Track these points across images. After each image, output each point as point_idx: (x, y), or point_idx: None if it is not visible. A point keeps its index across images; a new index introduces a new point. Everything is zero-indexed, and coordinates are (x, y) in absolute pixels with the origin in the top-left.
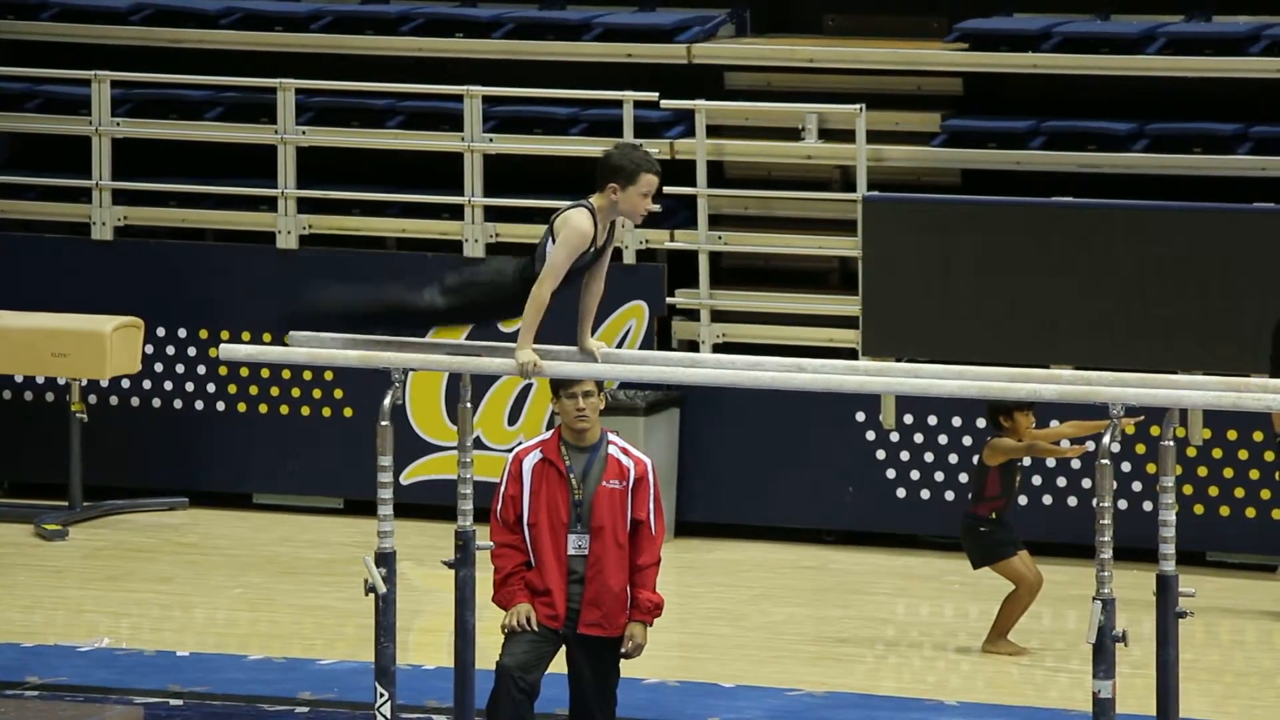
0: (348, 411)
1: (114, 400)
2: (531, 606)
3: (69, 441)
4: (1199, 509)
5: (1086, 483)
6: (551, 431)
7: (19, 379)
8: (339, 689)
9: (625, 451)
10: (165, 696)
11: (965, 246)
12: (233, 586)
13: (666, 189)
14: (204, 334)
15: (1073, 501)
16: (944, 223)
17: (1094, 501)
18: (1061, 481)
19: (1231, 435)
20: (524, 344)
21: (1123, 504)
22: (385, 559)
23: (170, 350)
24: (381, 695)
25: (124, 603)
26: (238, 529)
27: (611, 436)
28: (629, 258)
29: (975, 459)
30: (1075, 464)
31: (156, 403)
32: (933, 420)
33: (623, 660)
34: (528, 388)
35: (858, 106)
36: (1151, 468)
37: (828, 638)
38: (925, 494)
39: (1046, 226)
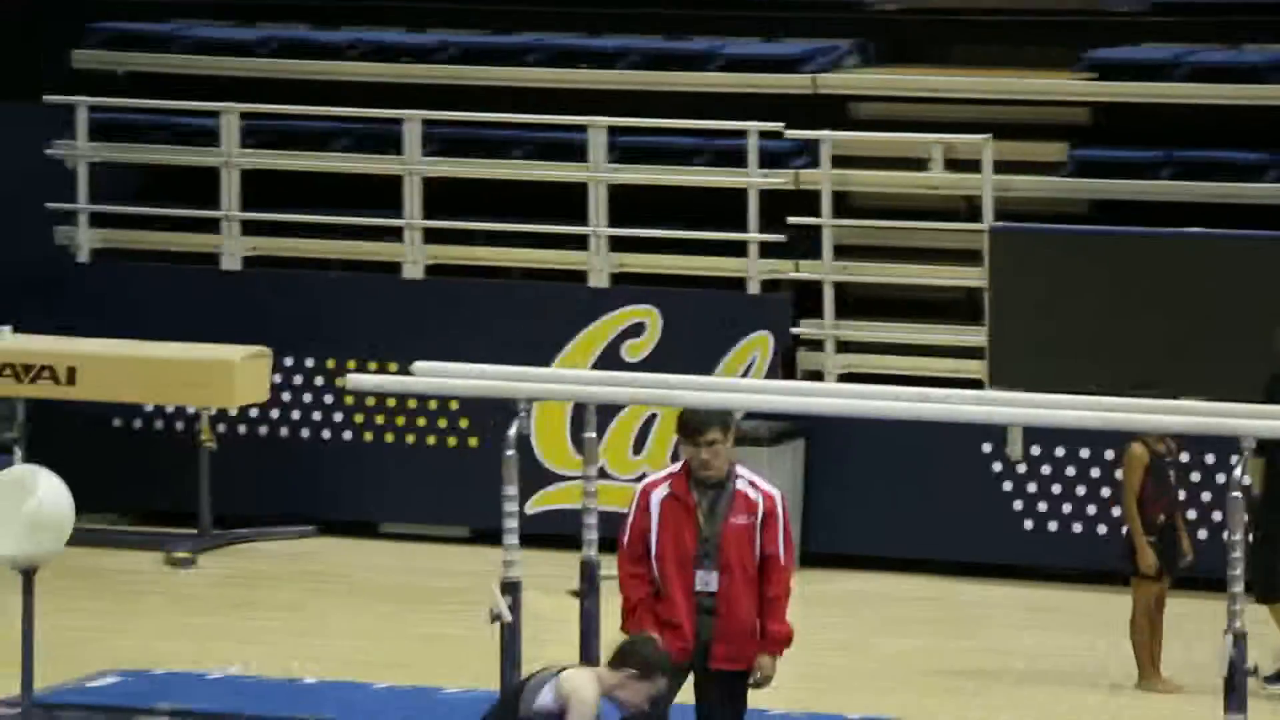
0: (473, 441)
1: (242, 429)
2: (660, 637)
3: (198, 470)
4: None
5: (1217, 515)
6: (680, 465)
7: (149, 408)
8: (464, 718)
9: (754, 485)
10: None
11: (1093, 277)
12: (360, 615)
13: (791, 219)
14: (331, 363)
15: (1202, 534)
16: (1071, 253)
17: (1224, 535)
18: (1191, 514)
19: None
20: None
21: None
22: (511, 588)
23: (298, 379)
24: None
25: (252, 630)
26: (365, 557)
27: (740, 470)
28: (753, 288)
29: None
30: (1205, 496)
31: (284, 432)
32: (1060, 452)
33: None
34: (653, 418)
35: (984, 137)
36: None
37: (951, 670)
38: (1052, 526)
39: (1176, 257)
